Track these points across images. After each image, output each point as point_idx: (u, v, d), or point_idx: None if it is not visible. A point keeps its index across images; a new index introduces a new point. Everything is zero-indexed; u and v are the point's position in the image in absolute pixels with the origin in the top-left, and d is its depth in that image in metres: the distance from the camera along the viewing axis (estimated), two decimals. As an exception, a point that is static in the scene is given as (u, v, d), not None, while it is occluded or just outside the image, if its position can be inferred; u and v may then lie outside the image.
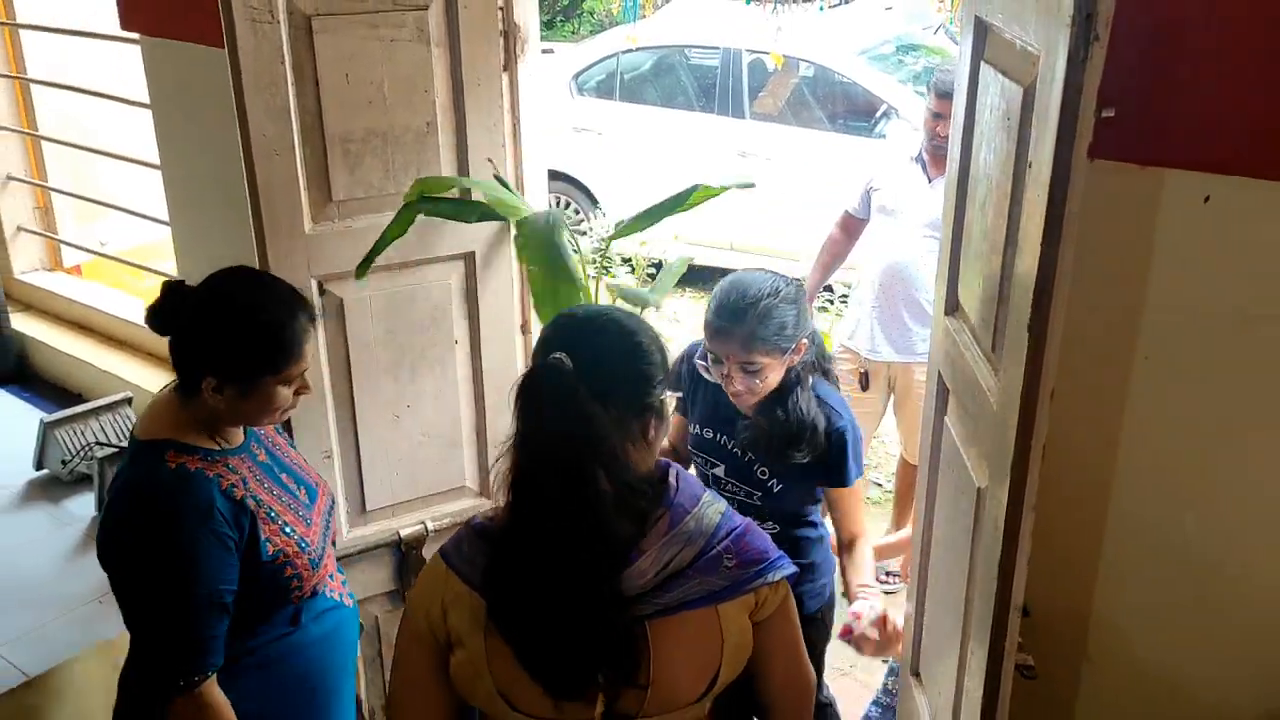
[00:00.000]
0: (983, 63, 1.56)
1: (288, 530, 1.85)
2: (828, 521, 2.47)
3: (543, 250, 2.12)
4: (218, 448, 1.81)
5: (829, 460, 2.18)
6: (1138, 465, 1.52)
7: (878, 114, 6.80)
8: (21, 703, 2.22)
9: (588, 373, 1.39)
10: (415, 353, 2.37)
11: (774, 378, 2.14)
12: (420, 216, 2.19)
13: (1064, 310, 1.27)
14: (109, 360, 3.35)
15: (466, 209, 2.23)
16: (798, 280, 2.27)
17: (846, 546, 2.28)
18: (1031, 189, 1.28)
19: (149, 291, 4.09)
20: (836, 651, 2.52)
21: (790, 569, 1.51)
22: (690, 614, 1.44)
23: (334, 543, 2.10)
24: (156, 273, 3.62)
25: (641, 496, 1.45)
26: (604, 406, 1.39)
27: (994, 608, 1.43)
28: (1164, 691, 1.57)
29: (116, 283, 4.00)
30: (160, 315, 1.79)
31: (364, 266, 2.13)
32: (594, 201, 7.10)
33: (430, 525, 2.47)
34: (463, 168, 2.29)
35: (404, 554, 2.48)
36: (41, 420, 2.85)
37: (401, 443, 2.42)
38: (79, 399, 3.27)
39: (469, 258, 2.36)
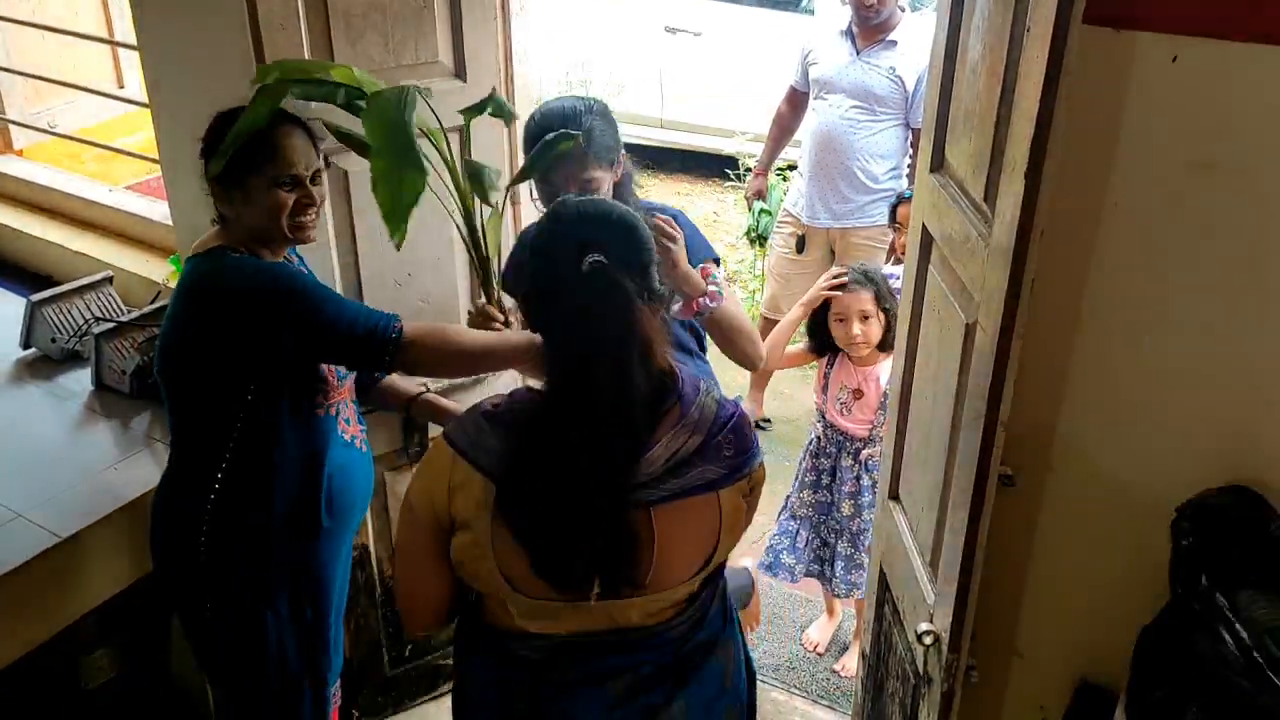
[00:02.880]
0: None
1: None
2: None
3: (388, 133, 1.90)
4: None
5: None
6: (1103, 296, 1.74)
7: (804, -12, 6.86)
8: (56, 562, 2.33)
9: (621, 270, 1.47)
10: (415, 223, 2.45)
11: (606, 190, 2.26)
12: (406, 81, 2.28)
13: (1057, 160, 1.46)
14: (77, 242, 3.35)
15: (330, 89, 2.03)
16: (600, 100, 2.35)
17: None
18: (1030, 50, 1.45)
19: (100, 174, 4.07)
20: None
21: (761, 455, 1.65)
22: (693, 500, 1.55)
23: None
24: (120, 152, 3.60)
25: (662, 388, 1.55)
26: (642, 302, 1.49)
27: (983, 424, 1.65)
28: (1120, 495, 1.82)
29: (66, 165, 3.96)
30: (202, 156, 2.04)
31: (218, 163, 1.94)
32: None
33: (431, 386, 2.62)
34: (458, 42, 2.37)
35: (408, 415, 2.63)
36: (29, 300, 2.89)
37: (402, 309, 2.52)
38: (50, 281, 3.29)
39: (461, 131, 2.45)
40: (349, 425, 2.23)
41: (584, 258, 1.46)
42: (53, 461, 2.56)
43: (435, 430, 2.67)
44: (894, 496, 2.21)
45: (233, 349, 1.99)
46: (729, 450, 1.57)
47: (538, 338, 1.61)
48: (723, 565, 1.70)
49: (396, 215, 1.86)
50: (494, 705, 1.66)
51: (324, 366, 2.11)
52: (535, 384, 1.64)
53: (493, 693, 1.67)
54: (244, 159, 1.95)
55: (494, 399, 1.59)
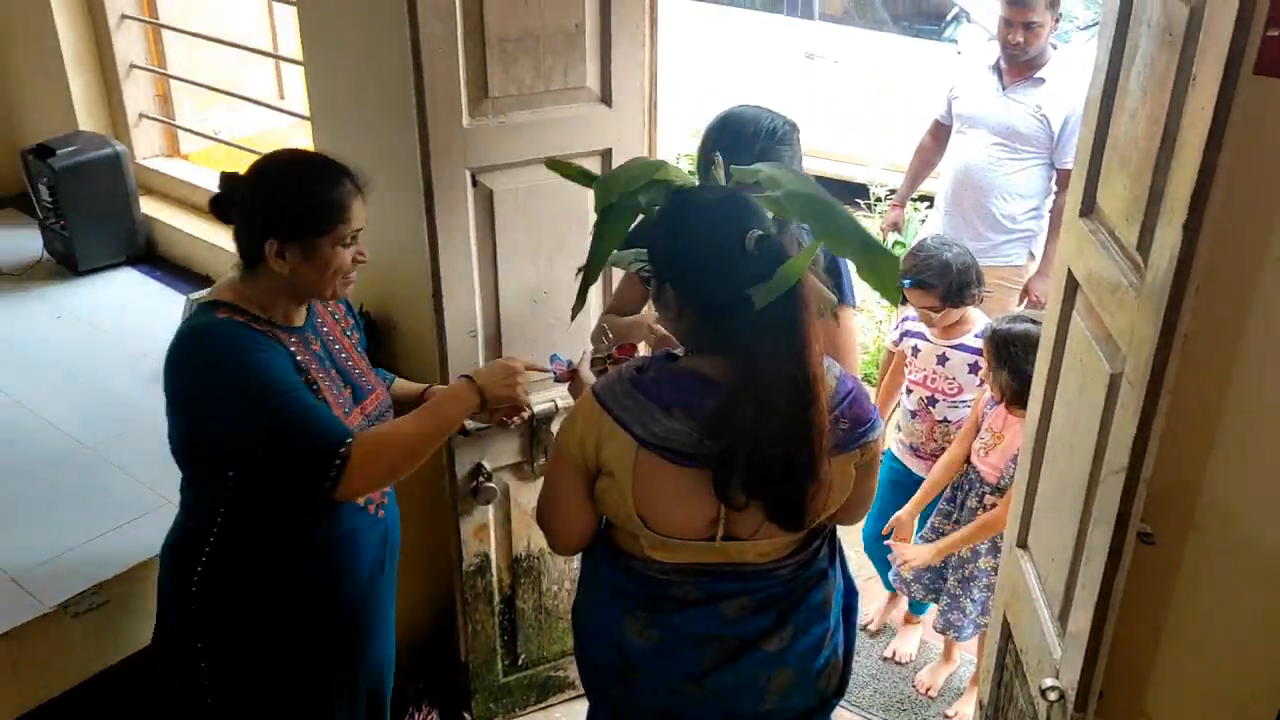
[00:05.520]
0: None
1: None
2: None
3: (819, 215, 1.77)
4: (268, 318, 1.94)
5: (829, 284, 2.25)
6: (1260, 353, 1.68)
7: (948, 17, 6.76)
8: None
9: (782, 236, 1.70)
10: (554, 243, 2.54)
11: None
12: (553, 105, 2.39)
13: (1218, 211, 1.41)
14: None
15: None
16: (792, 120, 2.27)
17: None
18: (1195, 100, 1.41)
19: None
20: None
21: (881, 427, 1.83)
22: None
23: None
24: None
25: None
26: None
27: (1124, 478, 1.61)
28: (1266, 561, 1.75)
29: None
30: (220, 202, 1.97)
31: (589, 280, 1.98)
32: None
33: (559, 404, 2.67)
34: (605, 68, 2.42)
35: (534, 430, 2.68)
36: (189, 298, 3.05)
37: (538, 326, 2.60)
38: (207, 280, 3.46)
39: (606, 154, 2.51)
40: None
41: (745, 235, 1.63)
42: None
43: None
44: (1022, 545, 2.15)
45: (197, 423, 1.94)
46: (844, 424, 1.77)
47: (463, 388, 2.06)
48: (831, 518, 1.88)
49: (888, 292, 1.83)
50: (617, 613, 1.87)
51: None
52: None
53: (620, 600, 1.87)
54: (313, 221, 1.90)
55: (635, 363, 1.79)
